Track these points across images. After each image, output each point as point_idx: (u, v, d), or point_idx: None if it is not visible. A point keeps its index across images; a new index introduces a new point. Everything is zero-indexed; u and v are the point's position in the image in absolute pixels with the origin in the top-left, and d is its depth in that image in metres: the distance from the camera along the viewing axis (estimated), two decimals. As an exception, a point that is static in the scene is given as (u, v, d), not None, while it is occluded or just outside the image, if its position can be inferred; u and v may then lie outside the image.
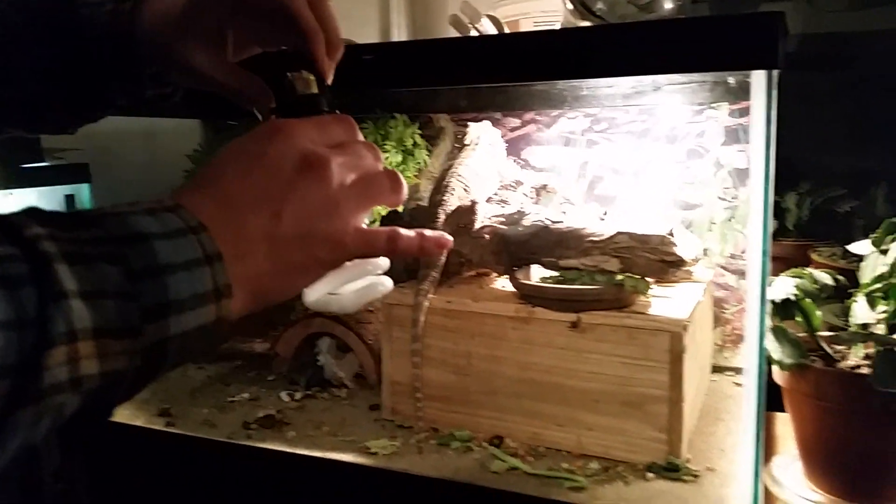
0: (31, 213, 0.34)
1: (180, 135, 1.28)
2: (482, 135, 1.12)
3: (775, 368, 0.82)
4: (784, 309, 0.83)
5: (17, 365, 0.30)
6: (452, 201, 1.00)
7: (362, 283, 0.56)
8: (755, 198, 0.69)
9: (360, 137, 0.48)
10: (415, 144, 1.15)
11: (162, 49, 0.56)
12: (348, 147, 0.45)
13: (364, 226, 0.46)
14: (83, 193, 1.15)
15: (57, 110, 0.63)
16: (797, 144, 1.12)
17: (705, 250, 1.06)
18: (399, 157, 1.12)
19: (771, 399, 0.75)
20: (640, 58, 0.64)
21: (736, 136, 1.08)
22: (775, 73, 0.62)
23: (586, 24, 0.76)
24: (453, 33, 1.01)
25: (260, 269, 0.40)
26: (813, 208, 1.42)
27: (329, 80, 0.54)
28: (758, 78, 0.64)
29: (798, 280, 0.83)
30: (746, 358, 0.74)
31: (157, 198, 0.39)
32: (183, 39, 0.55)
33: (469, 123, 1.15)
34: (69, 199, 1.13)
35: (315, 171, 0.42)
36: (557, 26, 0.93)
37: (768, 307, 0.76)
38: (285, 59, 0.54)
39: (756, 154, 0.67)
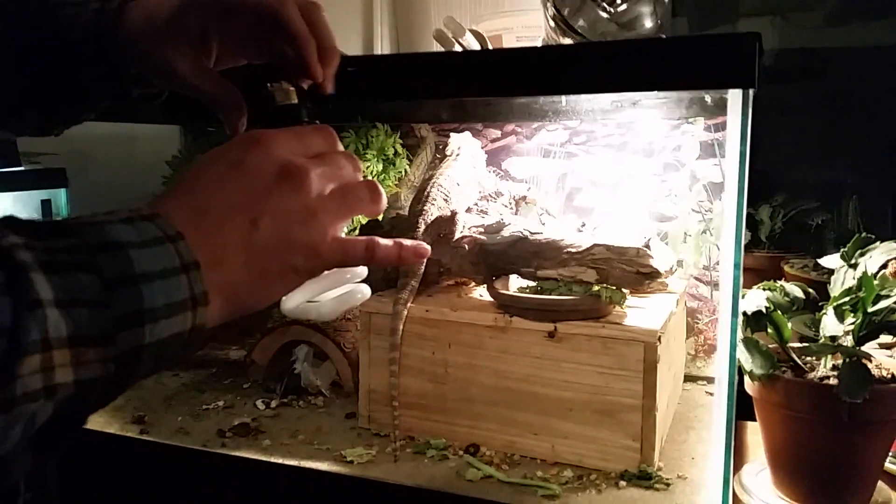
0: (8, 221, 0.34)
1: (159, 140, 1.27)
2: (463, 145, 1.13)
3: (746, 378, 0.83)
4: (756, 320, 0.85)
5: None
6: (433, 211, 1.01)
7: (341, 290, 0.57)
8: (728, 211, 0.71)
9: (340, 148, 0.48)
10: (396, 153, 1.15)
11: (143, 50, 0.56)
12: (327, 157, 0.45)
13: (342, 235, 0.46)
14: (60, 198, 1.14)
15: (40, 111, 0.62)
16: (771, 157, 1.15)
17: (680, 262, 1.08)
18: (380, 166, 1.12)
19: (741, 408, 0.76)
20: (620, 75, 0.65)
21: (711, 150, 1.10)
22: (752, 91, 0.64)
23: (567, 40, 0.77)
24: (437, 46, 1.02)
25: (237, 277, 0.40)
26: (786, 220, 1.45)
27: (330, 89, 0.54)
28: (734, 96, 0.66)
29: (769, 293, 0.84)
30: (718, 368, 0.76)
31: (135, 206, 0.39)
32: (165, 43, 0.55)
33: (450, 134, 1.16)
34: (46, 203, 1.11)
35: (293, 181, 0.42)
36: (539, 41, 0.95)
37: (740, 318, 0.77)
38: (266, 70, 0.54)
39: (731, 169, 0.69)
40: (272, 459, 0.90)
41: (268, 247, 0.41)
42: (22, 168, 1.11)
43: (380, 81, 0.71)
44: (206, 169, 0.42)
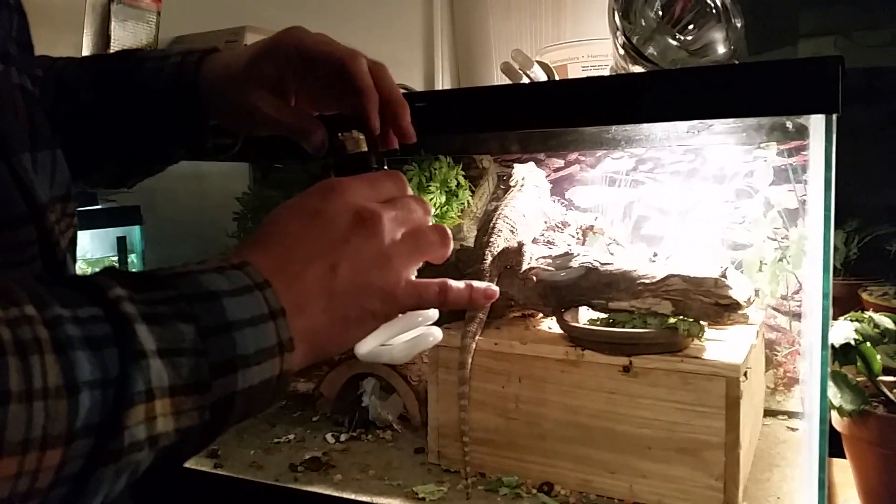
0: (111, 273, 0.35)
1: (228, 177, 1.30)
2: (527, 176, 1.12)
3: (834, 414, 0.79)
4: (843, 353, 0.81)
5: (100, 424, 0.31)
6: (499, 243, 1.00)
7: (412, 334, 0.57)
8: (813, 239, 0.68)
9: (410, 192, 0.49)
10: (458, 185, 1.15)
11: (224, 98, 0.58)
12: (399, 202, 0.46)
13: (414, 278, 0.46)
14: (134, 235, 1.17)
15: (120, 164, 0.65)
16: (842, 180, 1.10)
17: (756, 291, 1.04)
18: (443, 198, 1.12)
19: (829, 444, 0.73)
20: (700, 103, 0.64)
21: (785, 175, 1.06)
22: (835, 116, 0.62)
23: (638, 68, 0.76)
24: (497, 78, 1.02)
25: (318, 322, 0.41)
26: (861, 246, 1.39)
27: (412, 139, 0.55)
28: (817, 121, 0.64)
29: (858, 324, 0.81)
30: (807, 403, 0.72)
31: (224, 255, 0.40)
32: (244, 89, 0.57)
33: (514, 164, 1.15)
34: (121, 240, 1.14)
35: (368, 227, 0.43)
36: (605, 70, 0.94)
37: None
38: (336, 121, 0.56)
39: (815, 195, 0.67)
40: (345, 495, 0.89)
41: (346, 292, 0.42)
42: (98, 206, 1.15)
43: (458, 116, 0.71)
44: (286, 218, 0.43)
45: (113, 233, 1.15)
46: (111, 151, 0.64)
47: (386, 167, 0.53)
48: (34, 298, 0.31)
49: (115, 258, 1.15)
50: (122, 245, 1.14)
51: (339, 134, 0.54)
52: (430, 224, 0.48)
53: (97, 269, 0.36)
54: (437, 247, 0.47)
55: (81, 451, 0.30)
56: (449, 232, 0.48)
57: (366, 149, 0.54)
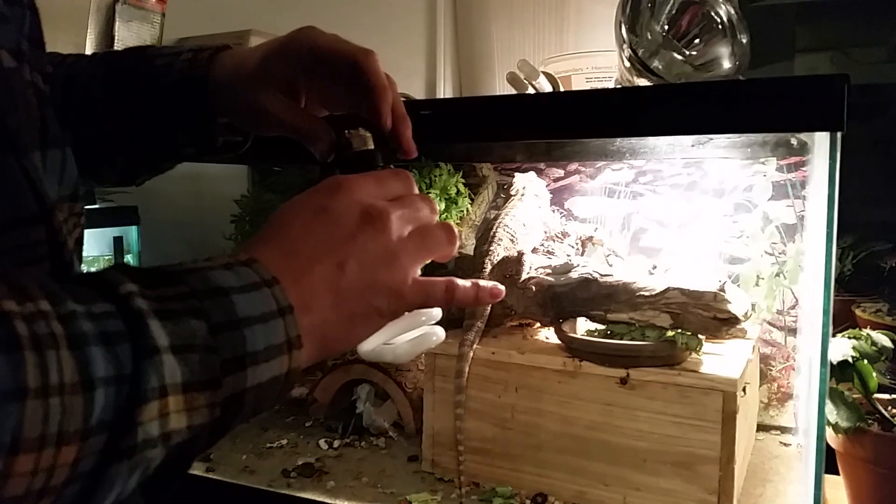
0: (121, 269, 0.35)
1: (226, 179, 1.29)
2: (528, 185, 1.12)
3: (829, 431, 0.80)
4: (841, 370, 0.81)
5: (114, 420, 0.31)
6: (499, 251, 1.00)
7: (416, 333, 0.57)
8: (815, 255, 0.68)
9: (416, 190, 0.49)
10: (458, 193, 1.15)
11: (234, 96, 0.58)
12: (406, 200, 0.46)
13: (419, 277, 0.46)
14: (131, 235, 1.16)
15: (130, 160, 0.64)
16: (838, 197, 1.11)
17: (753, 305, 1.04)
18: (443, 205, 1.12)
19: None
20: (702, 118, 0.64)
21: (784, 191, 1.07)
22: (839, 134, 0.62)
23: (643, 81, 0.76)
24: (499, 87, 1.02)
25: (325, 319, 0.41)
26: (855, 262, 1.40)
27: (412, 154, 0.55)
28: (821, 138, 0.64)
29: (856, 341, 0.81)
30: (805, 420, 0.72)
31: (231, 253, 0.40)
32: (255, 88, 0.57)
33: (514, 173, 1.16)
34: (118, 240, 1.14)
35: (375, 224, 0.43)
36: (609, 82, 0.94)
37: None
38: (343, 119, 0.56)
39: (814, 212, 0.67)
40: (338, 502, 0.89)
41: (354, 289, 0.42)
42: (96, 206, 1.14)
43: (465, 125, 0.71)
44: (292, 215, 0.43)
45: (110, 232, 1.14)
46: (121, 147, 0.63)
47: (392, 165, 0.53)
48: (48, 294, 0.31)
49: (111, 258, 1.14)
50: (118, 245, 1.14)
51: (346, 131, 0.54)
52: (437, 222, 0.48)
53: (93, 269, 0.36)
54: (444, 245, 0.47)
55: (96, 448, 0.30)
56: (455, 229, 0.48)
57: (372, 147, 0.54)
